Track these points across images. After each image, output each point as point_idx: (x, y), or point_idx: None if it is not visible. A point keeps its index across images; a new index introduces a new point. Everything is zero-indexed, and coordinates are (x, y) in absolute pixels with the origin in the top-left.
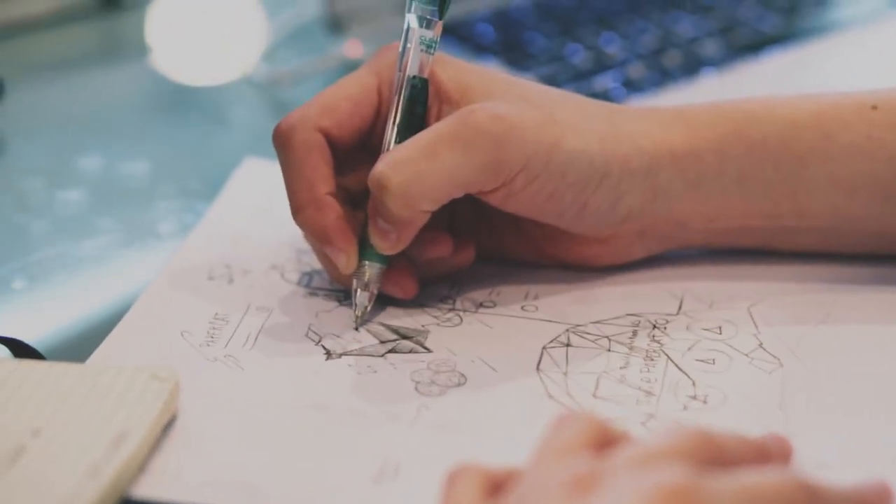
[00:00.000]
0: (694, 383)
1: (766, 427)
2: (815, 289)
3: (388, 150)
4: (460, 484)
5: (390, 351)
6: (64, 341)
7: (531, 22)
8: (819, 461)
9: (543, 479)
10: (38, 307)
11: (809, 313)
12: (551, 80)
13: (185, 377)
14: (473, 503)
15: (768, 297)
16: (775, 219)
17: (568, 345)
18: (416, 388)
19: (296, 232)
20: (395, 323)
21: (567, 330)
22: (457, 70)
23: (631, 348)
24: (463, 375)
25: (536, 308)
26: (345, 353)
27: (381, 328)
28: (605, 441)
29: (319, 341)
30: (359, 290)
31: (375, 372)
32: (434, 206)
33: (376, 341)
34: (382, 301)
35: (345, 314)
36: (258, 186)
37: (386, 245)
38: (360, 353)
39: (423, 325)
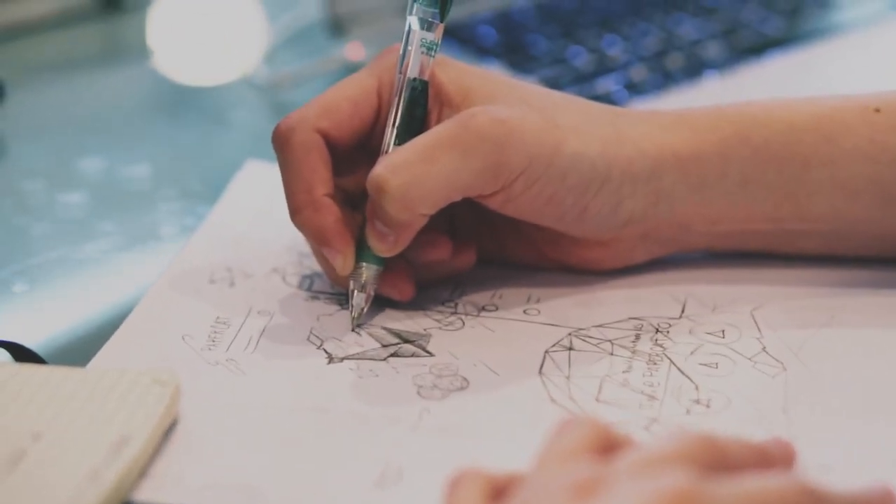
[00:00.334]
0: (697, 387)
1: (769, 431)
2: (819, 292)
3: (387, 152)
4: (462, 489)
5: (392, 355)
6: (65, 345)
7: (533, 24)
8: (822, 465)
9: (546, 484)
10: (38, 310)
11: (813, 317)
12: (553, 83)
13: (187, 381)
14: None
15: (771, 301)
16: (777, 222)
17: (570, 348)
18: (418, 392)
19: (297, 235)
20: (396, 327)
21: (569, 334)
22: (458, 72)
23: (634, 352)
24: (465, 379)
25: (538, 312)
26: (346, 357)
27: (383, 332)
28: (607, 445)
29: (321, 345)
30: (355, 291)
31: (377, 376)
32: (432, 210)
33: (378, 345)
34: (384, 304)
35: (346, 318)
36: (260, 189)
37: (383, 247)
38: (362, 356)
39: (424, 329)
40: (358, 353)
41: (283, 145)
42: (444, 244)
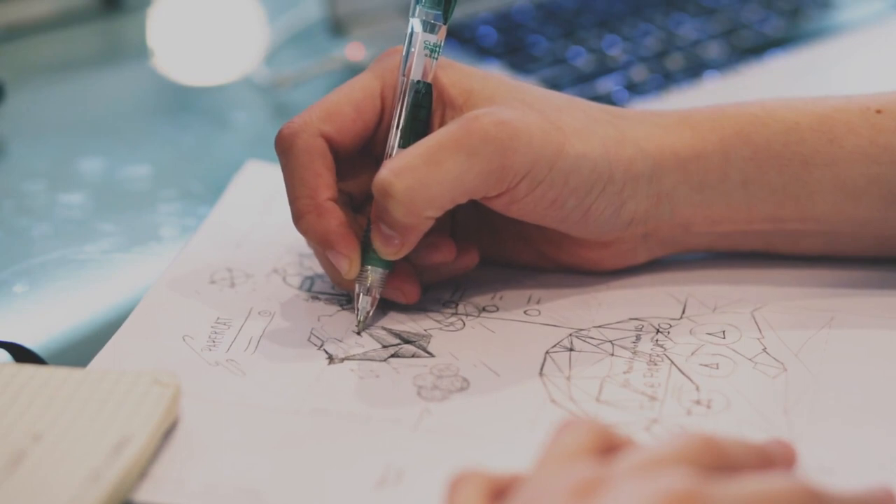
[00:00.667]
0: (698, 388)
1: (769, 432)
2: (820, 293)
3: (391, 155)
4: (463, 490)
5: (393, 355)
6: (65, 345)
7: (533, 24)
8: (823, 466)
9: (547, 485)
10: (39, 311)
11: (814, 318)
12: (554, 83)
13: (187, 382)
14: None
15: (772, 302)
16: (779, 222)
17: (571, 349)
18: (418, 393)
19: (298, 235)
20: (397, 327)
21: (570, 334)
22: (460, 75)
23: (634, 353)
24: (465, 380)
25: (539, 312)
26: (347, 358)
27: (384, 333)
28: (608, 447)
29: (321, 346)
30: (361, 294)
31: (378, 377)
32: (438, 213)
33: (379, 346)
34: (385, 305)
35: (347, 318)
36: (260, 189)
37: (389, 251)
38: (363, 357)
39: (425, 330)
40: (358, 354)
41: (285, 150)
42: (448, 246)
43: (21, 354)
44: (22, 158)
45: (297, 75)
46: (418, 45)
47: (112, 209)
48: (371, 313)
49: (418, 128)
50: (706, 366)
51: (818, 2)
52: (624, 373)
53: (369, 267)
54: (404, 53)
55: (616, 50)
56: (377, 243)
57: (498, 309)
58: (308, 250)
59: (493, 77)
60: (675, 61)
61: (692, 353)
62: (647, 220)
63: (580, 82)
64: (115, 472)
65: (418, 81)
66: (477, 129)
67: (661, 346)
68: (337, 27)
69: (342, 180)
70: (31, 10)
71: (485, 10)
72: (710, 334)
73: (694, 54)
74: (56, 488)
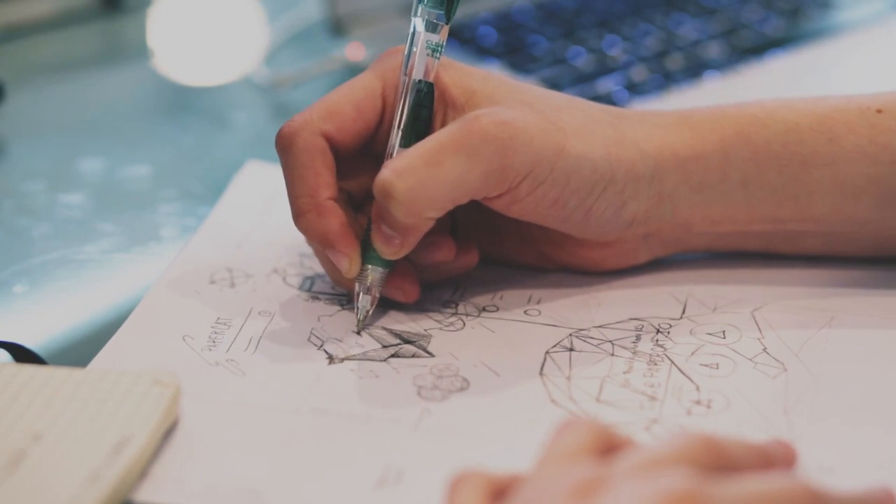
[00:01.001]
0: (698, 388)
1: (769, 432)
2: (820, 293)
3: (392, 155)
4: (463, 489)
5: (393, 355)
6: (65, 345)
7: (533, 24)
8: (823, 466)
9: (547, 485)
10: (39, 311)
11: (814, 318)
12: (554, 83)
13: (187, 382)
14: None
15: (772, 302)
16: (779, 223)
17: (571, 349)
18: (418, 393)
19: (298, 235)
20: (397, 327)
21: (570, 334)
22: (461, 74)
23: (634, 353)
24: (466, 380)
25: (539, 312)
26: (347, 358)
27: (384, 332)
28: (608, 447)
29: (321, 346)
30: (361, 293)
31: (378, 377)
32: (439, 214)
33: (379, 346)
34: (385, 305)
35: (347, 318)
36: (260, 189)
37: (390, 250)
38: (363, 357)
39: (425, 330)
40: (358, 354)
41: (286, 149)
42: (448, 245)
43: (21, 354)
44: (22, 158)
45: (297, 75)
46: (420, 45)
47: (112, 209)
48: (371, 312)
49: (420, 127)
50: (706, 366)
51: (818, 2)
52: (624, 373)
53: (369, 266)
54: (406, 52)
55: (616, 50)
56: (378, 243)
57: (498, 309)
58: (308, 250)
59: (493, 77)
60: (675, 61)
61: (692, 353)
62: (648, 221)
63: (580, 82)
64: (115, 472)
65: (420, 81)
66: (477, 129)
67: (662, 346)
68: (337, 27)
69: (343, 179)
70: (31, 10)
71: (485, 10)
72: (710, 334)
73: (694, 54)
74: (56, 488)
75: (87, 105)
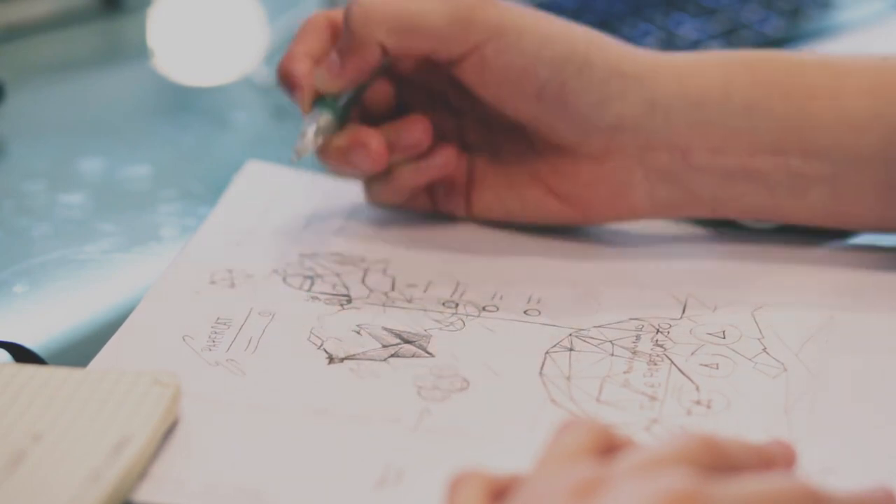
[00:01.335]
0: (698, 388)
1: (770, 432)
2: (819, 293)
3: None
4: (463, 490)
5: (392, 355)
6: (65, 346)
7: None
8: (823, 466)
9: (547, 485)
10: (39, 311)
11: (814, 318)
12: None
13: (187, 382)
14: None
15: (772, 302)
16: (782, 155)
17: (571, 349)
18: (418, 393)
19: (298, 236)
20: (397, 327)
21: (570, 334)
22: None
23: (634, 353)
24: (465, 380)
25: (539, 312)
26: (347, 358)
27: (384, 332)
28: (608, 447)
29: (321, 345)
30: (307, 129)
31: (377, 376)
32: (389, 38)
33: (379, 345)
34: (385, 305)
35: (347, 318)
36: (260, 190)
37: (327, 75)
38: (363, 357)
39: (425, 330)
40: (358, 354)
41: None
42: (423, 124)
43: (21, 354)
44: (22, 158)
45: None
46: None
47: (112, 209)
48: (307, 149)
49: None
50: (706, 366)
51: (818, 2)
52: (624, 373)
53: (317, 108)
54: None
55: None
56: (320, 70)
57: (498, 309)
58: (308, 250)
59: None
60: None
61: (692, 353)
62: (638, 130)
63: None
64: (115, 472)
65: None
66: None
67: (662, 346)
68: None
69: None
70: (31, 10)
71: None
72: (710, 334)
73: None
74: (56, 488)
75: (87, 105)
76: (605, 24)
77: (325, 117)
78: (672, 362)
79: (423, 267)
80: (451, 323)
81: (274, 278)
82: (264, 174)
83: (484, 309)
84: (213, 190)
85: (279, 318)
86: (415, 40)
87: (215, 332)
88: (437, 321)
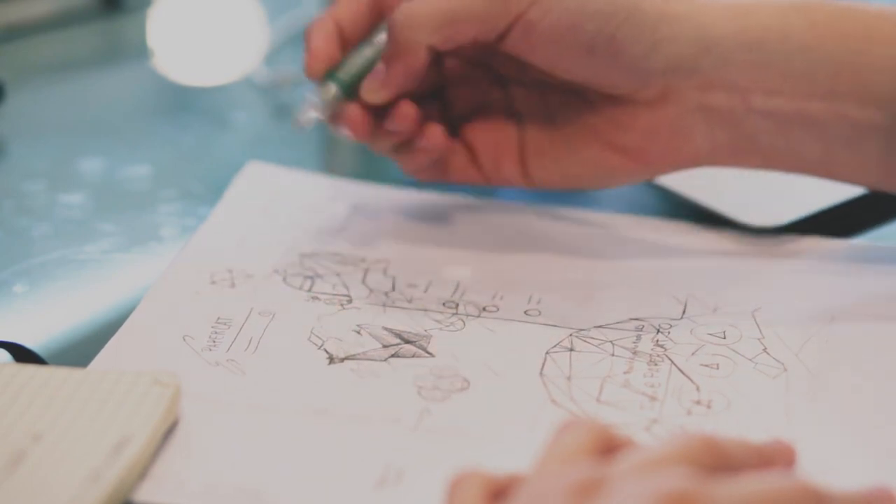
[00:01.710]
0: (698, 388)
1: (770, 432)
2: (820, 293)
3: None
4: (462, 490)
5: (393, 355)
6: (65, 345)
7: None
8: (823, 466)
9: (547, 485)
10: (39, 311)
11: (814, 318)
12: None
13: (187, 382)
14: None
15: (772, 302)
16: (837, 101)
17: (571, 349)
18: (418, 393)
19: (298, 235)
20: (397, 327)
21: (570, 334)
22: None
23: (634, 353)
24: (466, 380)
25: (539, 312)
26: (347, 358)
27: (384, 332)
28: (608, 447)
29: (322, 345)
30: (310, 98)
31: (378, 376)
32: (437, 33)
33: (379, 345)
34: (385, 305)
35: (347, 318)
36: (261, 190)
37: (375, 85)
38: (363, 357)
39: (425, 330)
40: (359, 354)
41: None
42: (410, 110)
43: (21, 354)
44: (22, 158)
45: (297, 75)
46: None
47: (112, 209)
48: (311, 119)
49: None
50: (706, 366)
51: None
52: (624, 373)
53: (329, 81)
54: None
55: None
56: (368, 81)
57: (498, 309)
58: (308, 250)
59: None
60: None
61: (692, 354)
62: (694, 71)
63: None
64: (115, 472)
65: None
66: None
67: (662, 347)
68: None
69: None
70: (31, 10)
71: None
72: (710, 334)
73: None
74: (56, 488)
75: (87, 105)
76: None
77: (331, 90)
78: (672, 362)
79: (424, 267)
80: (452, 323)
81: (274, 278)
82: (265, 175)
83: (484, 309)
84: (213, 190)
85: (279, 318)
86: (460, 32)
87: (215, 332)
88: (437, 321)
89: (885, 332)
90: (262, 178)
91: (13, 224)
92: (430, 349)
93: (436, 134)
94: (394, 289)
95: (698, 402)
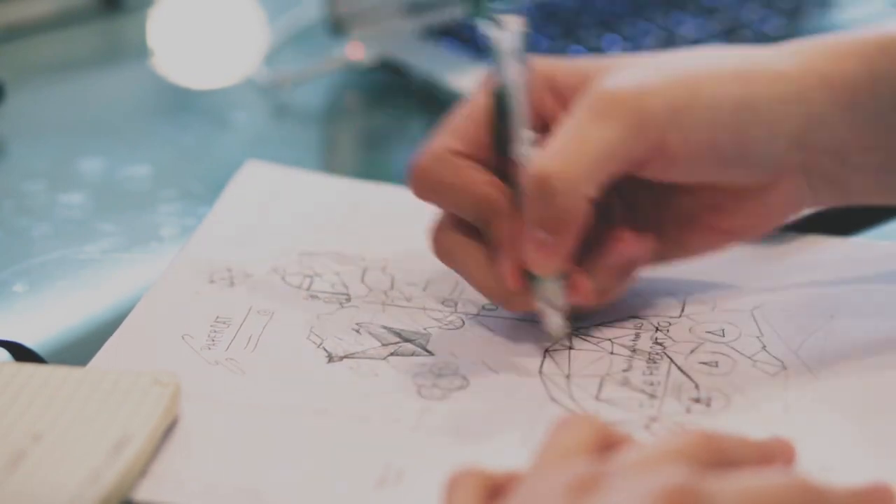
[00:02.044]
0: (697, 386)
1: (769, 430)
2: (819, 291)
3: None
4: (460, 489)
5: (392, 354)
6: (65, 345)
7: (533, 24)
8: (822, 464)
9: (545, 483)
10: (39, 311)
11: (812, 316)
12: None
13: (186, 381)
14: None
15: (771, 300)
16: None
17: (570, 348)
18: (418, 392)
19: (296, 234)
20: (396, 326)
21: (569, 333)
22: (562, 63)
23: (633, 351)
24: (465, 378)
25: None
26: (346, 356)
27: (383, 331)
28: (606, 444)
29: (321, 344)
30: (549, 313)
31: (377, 375)
32: (595, 189)
33: (378, 344)
34: (384, 304)
35: (346, 316)
36: (259, 189)
37: (545, 257)
38: (362, 355)
39: (424, 328)
40: (358, 352)
41: (419, 183)
42: (628, 235)
43: (21, 354)
44: (22, 158)
45: (297, 75)
46: (502, 50)
47: (112, 209)
48: (562, 326)
49: (503, 132)
50: (705, 364)
51: (818, 1)
52: (623, 371)
53: (541, 281)
54: (493, 63)
55: (616, 49)
56: (533, 253)
57: (497, 307)
58: (307, 248)
59: (599, 58)
60: None
61: (691, 352)
62: (803, 147)
63: None
64: (115, 472)
65: (499, 86)
66: (603, 94)
67: (661, 345)
68: (337, 27)
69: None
70: (31, 10)
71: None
72: (709, 332)
73: None
74: (56, 488)
75: (87, 105)
76: (606, 23)
77: (554, 287)
78: (671, 360)
79: (423, 265)
80: (451, 322)
81: (273, 277)
82: (263, 173)
83: (483, 307)
84: (213, 190)
85: (278, 316)
86: (611, 175)
87: (215, 331)
88: (436, 320)
89: (885, 329)
90: (260, 177)
91: (13, 224)
92: (429, 348)
93: (631, 238)
94: (393, 287)
95: (697, 400)
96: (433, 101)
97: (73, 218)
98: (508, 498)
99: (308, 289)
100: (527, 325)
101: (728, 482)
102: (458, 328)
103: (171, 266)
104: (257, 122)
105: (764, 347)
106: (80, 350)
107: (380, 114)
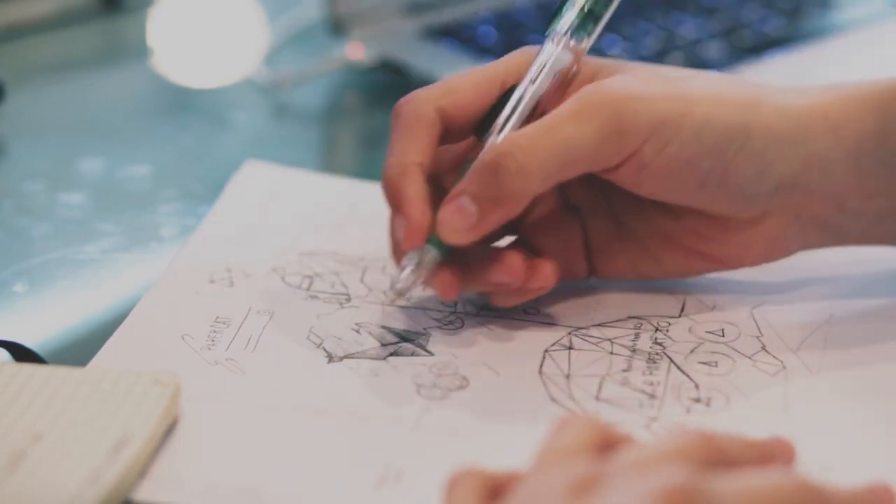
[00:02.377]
0: (697, 386)
1: (768, 430)
2: (818, 291)
3: (498, 131)
4: (460, 489)
5: (392, 354)
6: (65, 345)
7: (534, 23)
8: (822, 464)
9: (545, 482)
10: (39, 311)
11: (813, 316)
12: None
13: (186, 381)
14: None
15: (771, 300)
16: None
17: (570, 348)
18: (417, 392)
19: (296, 235)
20: (396, 325)
21: (569, 333)
22: (592, 62)
23: (633, 351)
24: (465, 379)
25: (538, 311)
26: (346, 356)
27: (383, 331)
28: (606, 444)
29: (321, 344)
30: (407, 267)
31: (377, 375)
32: (548, 181)
33: (378, 344)
34: (384, 304)
35: (346, 316)
36: (259, 189)
37: (461, 225)
38: (362, 355)
39: (424, 328)
40: (358, 352)
41: (396, 114)
42: (514, 261)
43: (21, 354)
44: (22, 158)
45: (297, 75)
46: (548, 67)
47: (112, 209)
48: (412, 292)
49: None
50: (705, 364)
51: (818, 1)
52: (623, 371)
53: (427, 245)
54: (535, 69)
55: (616, 49)
56: (448, 216)
57: (497, 308)
58: (307, 248)
59: (625, 61)
60: (675, 61)
61: (691, 352)
62: (796, 189)
63: None
64: (115, 472)
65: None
66: (593, 96)
67: (661, 345)
68: (337, 27)
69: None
70: (31, 10)
71: (485, 9)
72: (709, 332)
73: (694, 54)
74: (56, 488)
75: (87, 105)
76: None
77: (431, 254)
78: (671, 360)
79: None
80: (450, 322)
81: (273, 277)
82: (262, 173)
83: (483, 307)
84: (213, 190)
85: (278, 316)
86: (570, 173)
87: (214, 332)
88: (436, 320)
89: (884, 329)
90: (260, 177)
91: (13, 224)
92: (429, 347)
93: (548, 273)
94: (392, 287)
95: (697, 400)
96: None
97: (73, 218)
98: (508, 498)
99: (308, 289)
100: (527, 325)
101: (728, 482)
102: (458, 328)
103: (170, 266)
104: (257, 122)
105: (763, 347)
106: (80, 350)
107: (380, 114)
